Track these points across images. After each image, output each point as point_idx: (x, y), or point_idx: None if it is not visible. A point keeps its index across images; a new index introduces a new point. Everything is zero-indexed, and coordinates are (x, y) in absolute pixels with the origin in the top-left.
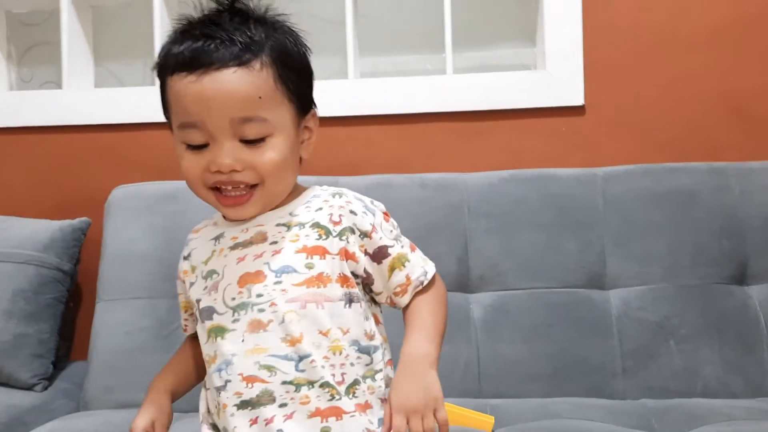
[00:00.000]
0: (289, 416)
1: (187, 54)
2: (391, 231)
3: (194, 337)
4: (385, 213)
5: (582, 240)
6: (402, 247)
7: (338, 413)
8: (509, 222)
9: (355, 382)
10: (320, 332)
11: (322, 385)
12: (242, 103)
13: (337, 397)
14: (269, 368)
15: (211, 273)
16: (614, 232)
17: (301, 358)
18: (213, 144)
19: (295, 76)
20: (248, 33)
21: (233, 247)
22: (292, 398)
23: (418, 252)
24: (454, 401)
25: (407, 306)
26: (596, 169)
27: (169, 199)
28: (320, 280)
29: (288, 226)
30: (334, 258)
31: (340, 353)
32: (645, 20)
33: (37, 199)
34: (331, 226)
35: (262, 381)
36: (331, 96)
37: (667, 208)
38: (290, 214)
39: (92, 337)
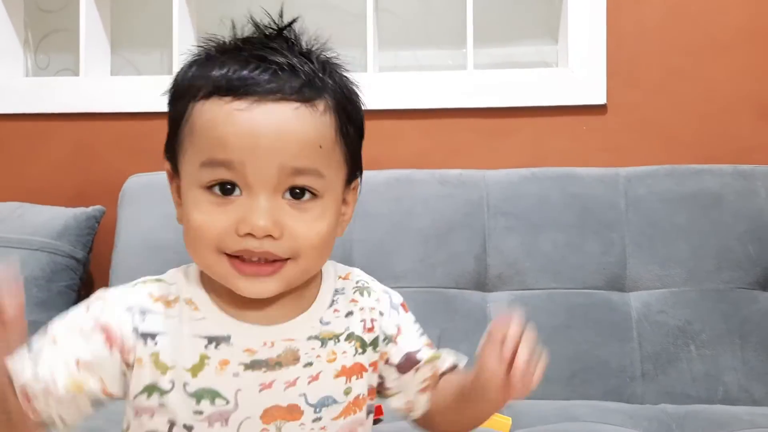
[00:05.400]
0: None
1: (234, 78)
2: (417, 327)
3: None
4: (403, 305)
5: (603, 241)
6: (427, 345)
7: None
8: (529, 221)
9: None
10: None
11: None
12: (299, 148)
13: None
14: None
15: (211, 396)
16: (636, 234)
17: None
18: (247, 196)
19: (355, 133)
20: (311, 65)
21: (251, 366)
22: None
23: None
24: None
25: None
26: (619, 169)
27: None
28: (356, 404)
29: (322, 341)
30: (367, 374)
31: None
32: (671, 20)
33: (52, 187)
34: (365, 336)
35: None
36: None
37: (691, 210)
38: (320, 322)
39: None
